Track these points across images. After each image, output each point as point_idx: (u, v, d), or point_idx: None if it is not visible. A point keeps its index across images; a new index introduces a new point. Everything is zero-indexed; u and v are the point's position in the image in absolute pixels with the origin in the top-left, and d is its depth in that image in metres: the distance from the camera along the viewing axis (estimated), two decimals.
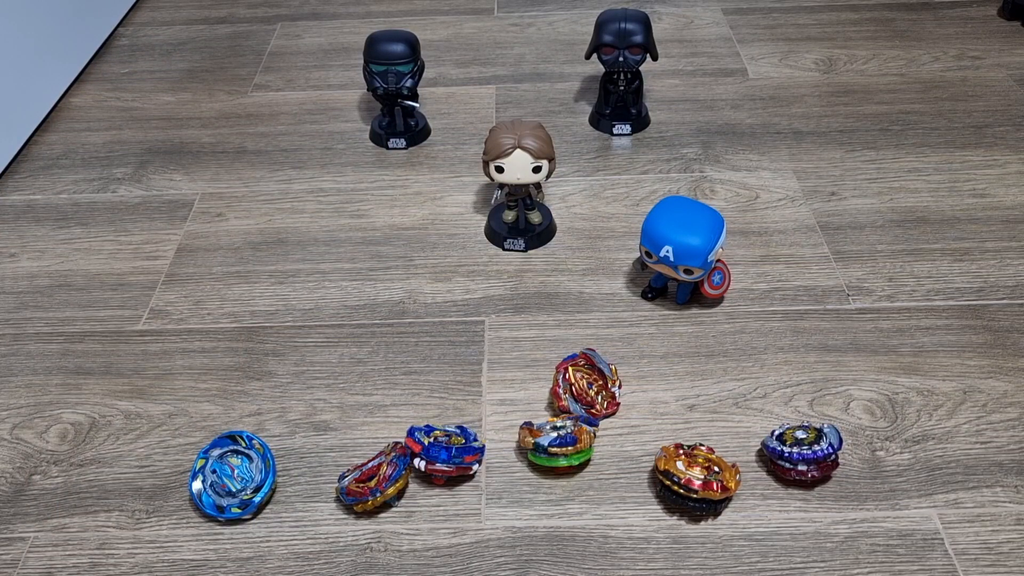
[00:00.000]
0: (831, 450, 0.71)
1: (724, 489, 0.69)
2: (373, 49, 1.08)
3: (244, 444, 0.74)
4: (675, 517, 0.72)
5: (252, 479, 0.73)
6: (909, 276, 0.93)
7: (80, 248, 1.01)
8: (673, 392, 0.82)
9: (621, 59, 1.08)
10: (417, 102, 1.13)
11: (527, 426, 0.75)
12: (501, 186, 0.95)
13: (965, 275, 0.93)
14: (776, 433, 0.74)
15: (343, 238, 1.01)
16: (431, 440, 0.73)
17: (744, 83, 1.26)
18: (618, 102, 1.15)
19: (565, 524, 0.72)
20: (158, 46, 1.41)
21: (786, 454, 0.71)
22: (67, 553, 0.71)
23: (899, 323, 0.88)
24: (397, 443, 0.74)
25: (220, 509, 0.71)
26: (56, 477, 0.77)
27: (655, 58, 1.10)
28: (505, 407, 0.81)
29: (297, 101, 1.26)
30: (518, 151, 0.90)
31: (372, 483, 0.70)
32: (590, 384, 0.79)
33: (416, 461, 0.72)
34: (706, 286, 0.86)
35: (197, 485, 0.72)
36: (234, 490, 0.72)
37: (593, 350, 0.80)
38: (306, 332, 0.89)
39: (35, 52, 1.21)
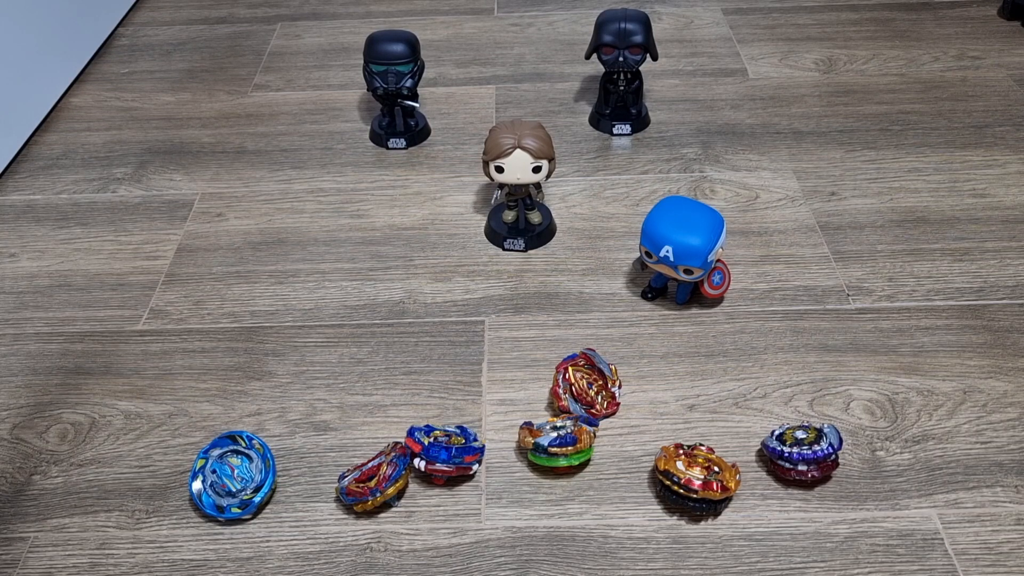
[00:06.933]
0: (831, 450, 0.71)
1: (724, 489, 0.69)
2: (373, 49, 1.08)
3: (244, 444, 0.74)
4: (675, 517, 0.72)
5: (252, 479, 0.73)
6: (909, 276, 0.93)
7: (80, 248, 1.01)
8: (673, 392, 0.82)
9: (621, 59, 1.08)
10: (417, 102, 1.13)
11: (527, 426, 0.75)
12: (501, 186, 0.95)
13: (965, 275, 0.93)
14: (776, 433, 0.74)
15: (343, 238, 1.01)
16: (431, 440, 0.73)
17: (744, 83, 1.26)
18: (618, 102, 1.15)
19: (565, 524, 0.72)
20: (158, 46, 1.41)
21: (786, 454, 0.71)
22: (67, 553, 0.71)
23: (899, 323, 0.88)
24: (397, 443, 0.74)
25: (220, 509, 0.71)
26: (56, 477, 0.77)
27: (655, 58, 1.10)
28: (505, 407, 0.81)
29: (297, 101, 1.26)
30: (518, 151, 0.90)
31: (372, 483, 0.70)
32: (590, 384, 0.79)
33: (416, 461, 0.72)
34: (706, 286, 0.86)
35: (197, 485, 0.72)
36: (234, 490, 0.72)
37: (593, 350, 0.80)
38: (306, 332, 0.89)
39: (35, 52, 1.21)
